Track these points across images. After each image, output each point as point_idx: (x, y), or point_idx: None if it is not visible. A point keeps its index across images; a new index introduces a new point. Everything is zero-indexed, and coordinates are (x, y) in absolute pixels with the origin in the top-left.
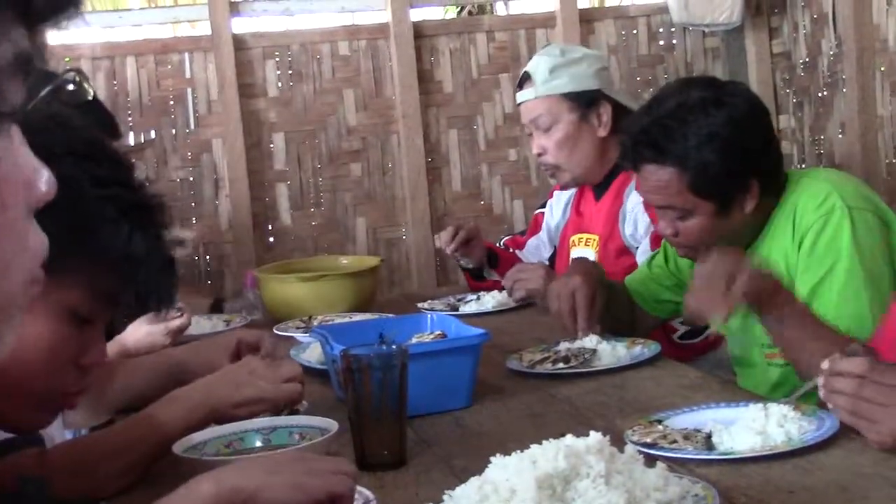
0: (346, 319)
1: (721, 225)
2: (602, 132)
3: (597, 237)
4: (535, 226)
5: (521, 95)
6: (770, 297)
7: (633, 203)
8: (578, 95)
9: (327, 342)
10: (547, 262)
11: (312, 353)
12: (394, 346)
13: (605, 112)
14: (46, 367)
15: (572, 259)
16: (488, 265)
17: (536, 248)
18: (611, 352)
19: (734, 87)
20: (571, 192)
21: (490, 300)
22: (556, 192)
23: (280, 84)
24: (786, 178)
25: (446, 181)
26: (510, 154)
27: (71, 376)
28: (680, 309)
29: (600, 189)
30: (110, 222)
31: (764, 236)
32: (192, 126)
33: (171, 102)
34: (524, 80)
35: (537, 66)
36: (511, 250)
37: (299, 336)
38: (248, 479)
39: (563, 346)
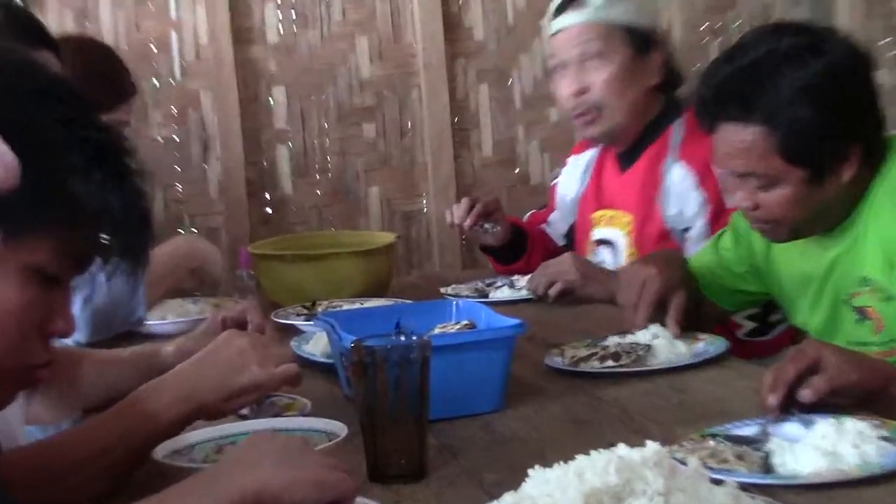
0: (357, 306)
1: (811, 197)
2: (653, 80)
3: (630, 217)
4: (551, 199)
5: (565, 19)
6: (880, 391)
7: (679, 178)
8: (637, 32)
9: (335, 332)
10: (563, 241)
11: (317, 344)
12: (413, 338)
13: (659, 59)
14: (11, 334)
15: (603, 242)
16: (514, 243)
17: (556, 226)
18: (669, 348)
19: (833, 34)
20: (590, 157)
21: (525, 282)
22: (571, 158)
23: (281, 29)
24: (886, 144)
25: (475, 145)
26: (551, 114)
27: (36, 346)
28: (752, 300)
29: (626, 159)
30: (80, 172)
31: (859, 214)
32: (178, 77)
33: (153, 49)
34: (566, 4)
35: None
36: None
37: (301, 324)
38: (271, 478)
39: (613, 341)
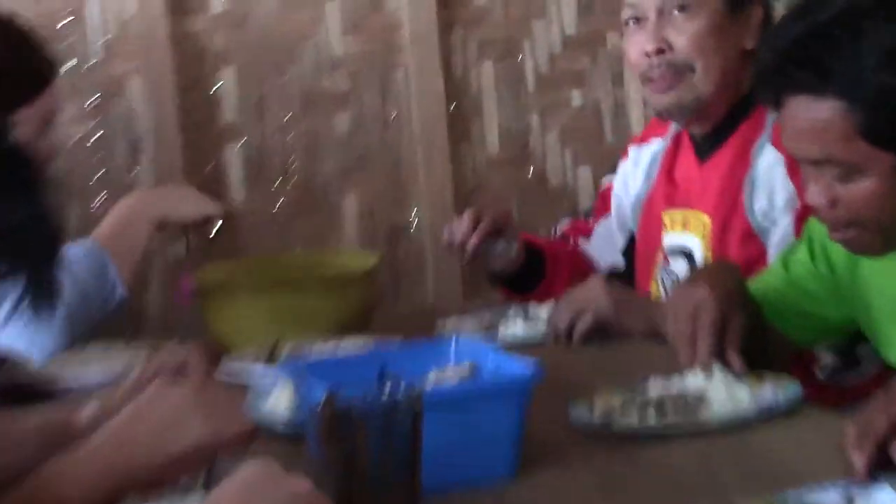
0: (330, 346)
1: None
2: (749, 43)
3: (706, 218)
4: (603, 202)
5: None
6: None
7: (769, 163)
8: None
9: (302, 382)
10: (621, 259)
11: (280, 398)
12: (401, 388)
13: (757, 19)
14: None
15: (700, 267)
16: (529, 267)
17: (608, 239)
18: (727, 396)
19: None
20: (658, 147)
21: (544, 313)
22: (632, 149)
23: None
24: None
25: (478, 139)
26: (573, 97)
27: None
28: (833, 330)
29: (707, 145)
30: None
31: None
32: (98, 58)
33: (65, 22)
34: None
35: None
36: (571, 241)
37: (259, 372)
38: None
39: (656, 388)
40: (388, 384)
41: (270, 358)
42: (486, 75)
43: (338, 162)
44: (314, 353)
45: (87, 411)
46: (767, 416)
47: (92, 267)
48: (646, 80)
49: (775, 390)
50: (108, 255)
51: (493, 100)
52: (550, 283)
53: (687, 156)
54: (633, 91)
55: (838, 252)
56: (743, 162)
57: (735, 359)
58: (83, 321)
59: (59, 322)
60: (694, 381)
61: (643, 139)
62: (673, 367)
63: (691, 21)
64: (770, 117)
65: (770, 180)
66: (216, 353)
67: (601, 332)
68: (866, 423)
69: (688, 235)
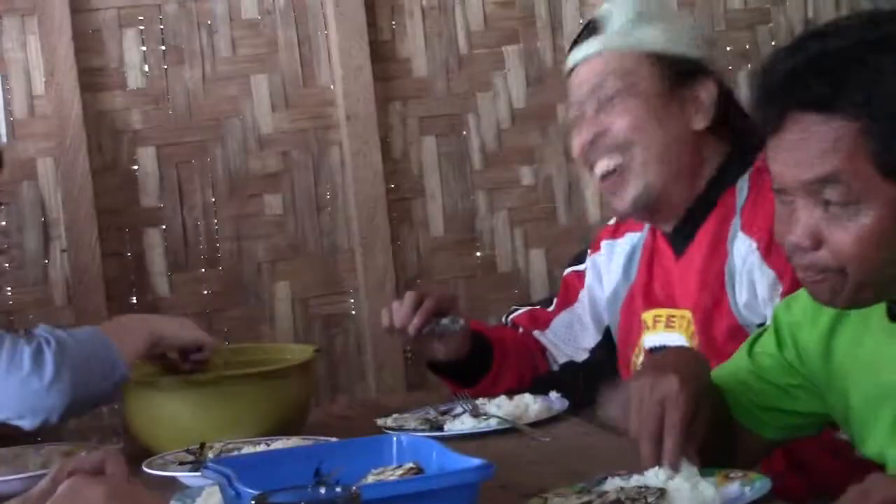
0: (262, 447)
1: None
2: (700, 122)
3: (688, 314)
4: (565, 293)
5: (580, 51)
6: None
7: (744, 252)
8: (674, 59)
9: (230, 485)
10: (584, 353)
11: (206, 503)
12: (338, 489)
13: (708, 94)
14: None
15: (659, 350)
16: (475, 357)
17: (569, 330)
18: (690, 493)
19: None
20: (635, 243)
21: (493, 409)
22: (605, 242)
23: (148, 66)
24: None
25: (420, 221)
26: (522, 175)
27: None
28: (803, 424)
29: (680, 237)
30: None
31: None
32: (4, 138)
33: None
34: (586, 33)
35: (612, 9)
36: (521, 330)
37: (185, 476)
38: None
39: (614, 485)
40: (324, 486)
41: (196, 460)
42: (428, 152)
43: (268, 248)
44: (243, 454)
45: None
46: None
47: (95, 341)
48: (591, 170)
49: (742, 486)
50: (109, 339)
51: (437, 179)
52: (497, 373)
53: (663, 251)
54: None
55: (809, 340)
56: (719, 253)
57: (694, 456)
58: (88, 388)
59: (62, 385)
60: (655, 477)
61: (615, 233)
62: (633, 463)
63: (625, 105)
64: (739, 201)
65: (749, 271)
66: (136, 455)
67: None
68: None
69: (671, 334)
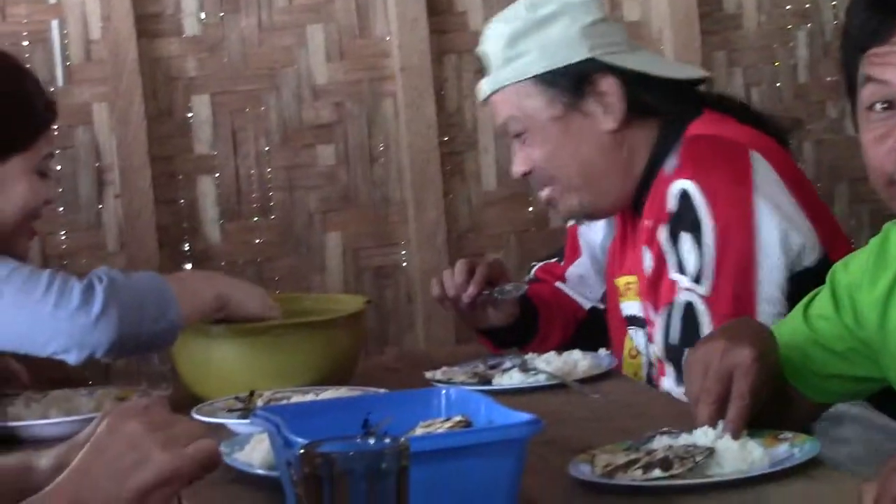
0: (311, 397)
1: None
2: (609, 123)
3: (631, 280)
4: (571, 245)
5: (481, 90)
6: None
7: (676, 192)
8: (557, 75)
9: (279, 433)
10: (598, 302)
11: (255, 450)
12: (386, 441)
13: (610, 90)
14: None
15: (635, 321)
16: (522, 321)
17: (581, 282)
18: (738, 452)
19: None
20: None
21: (542, 364)
22: None
23: (204, 15)
24: None
25: (473, 175)
26: None
27: None
28: (858, 390)
29: (632, 217)
30: None
31: None
32: (60, 82)
33: (26, 43)
34: (483, 71)
35: (488, 40)
36: (543, 282)
37: (234, 424)
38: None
39: (662, 444)
40: (372, 437)
41: (245, 408)
42: (482, 106)
43: (320, 198)
44: (292, 403)
45: (45, 460)
46: (781, 474)
47: (151, 284)
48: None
49: (791, 447)
50: (168, 286)
51: (490, 133)
52: (545, 335)
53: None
54: None
55: (866, 301)
56: (660, 216)
57: (730, 424)
58: (135, 328)
59: (109, 321)
60: (703, 436)
61: None
62: (681, 423)
63: (533, 143)
64: (667, 171)
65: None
66: (185, 401)
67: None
68: (884, 485)
69: (636, 303)
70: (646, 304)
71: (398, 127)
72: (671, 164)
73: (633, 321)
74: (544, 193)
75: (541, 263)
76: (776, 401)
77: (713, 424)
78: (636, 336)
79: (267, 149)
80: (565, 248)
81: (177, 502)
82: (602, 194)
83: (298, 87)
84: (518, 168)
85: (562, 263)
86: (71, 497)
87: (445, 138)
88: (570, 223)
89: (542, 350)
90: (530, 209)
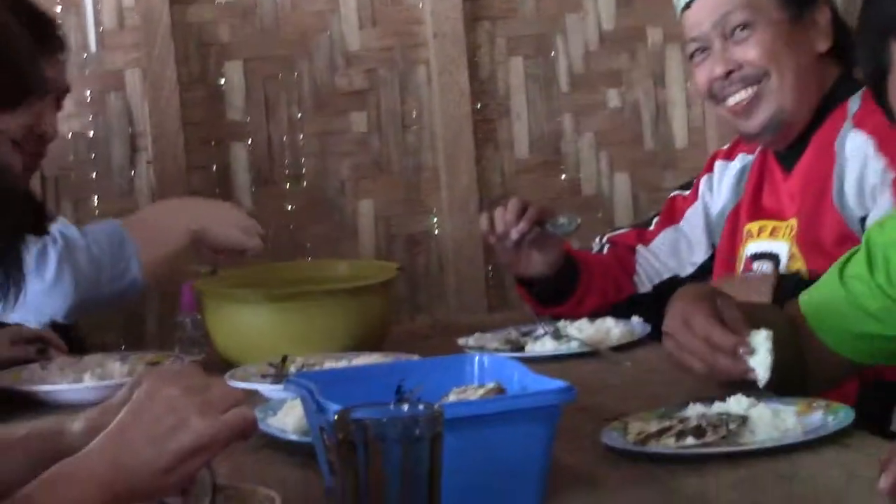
0: (343, 363)
1: None
2: (822, 45)
3: (793, 222)
4: (669, 212)
5: None
6: None
7: (856, 146)
8: None
9: (312, 399)
10: (696, 269)
11: (287, 416)
12: (420, 407)
13: (823, 18)
14: None
15: (761, 257)
16: (563, 275)
17: (673, 246)
18: (772, 420)
19: None
20: (745, 164)
21: (575, 332)
22: (719, 162)
23: None
24: None
25: (505, 141)
26: (609, 98)
27: None
28: (892, 351)
29: (793, 155)
30: None
31: None
32: (93, 48)
33: (59, 9)
34: None
35: None
36: (605, 250)
37: (266, 390)
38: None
39: (695, 411)
40: (406, 403)
41: (278, 373)
42: (515, 73)
43: (352, 165)
44: (325, 369)
45: (78, 424)
46: (815, 442)
47: (112, 239)
48: (721, 102)
49: (826, 415)
50: (130, 236)
51: (523, 100)
52: (581, 297)
53: (773, 169)
54: (677, 92)
55: None
56: (827, 156)
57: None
58: (93, 290)
59: (63, 286)
60: (737, 404)
61: (729, 155)
62: (715, 391)
63: (756, 36)
64: (852, 107)
65: (859, 163)
66: (218, 367)
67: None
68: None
69: (776, 242)
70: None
71: (431, 94)
72: (856, 102)
73: (762, 257)
74: (745, 94)
75: (623, 229)
76: (796, 358)
77: (740, 374)
78: (760, 268)
79: (299, 115)
80: (659, 216)
81: (208, 467)
82: (801, 108)
83: (331, 53)
84: (719, 69)
85: (650, 228)
86: (109, 459)
87: (478, 105)
88: (675, 193)
89: (575, 313)
90: (563, 177)
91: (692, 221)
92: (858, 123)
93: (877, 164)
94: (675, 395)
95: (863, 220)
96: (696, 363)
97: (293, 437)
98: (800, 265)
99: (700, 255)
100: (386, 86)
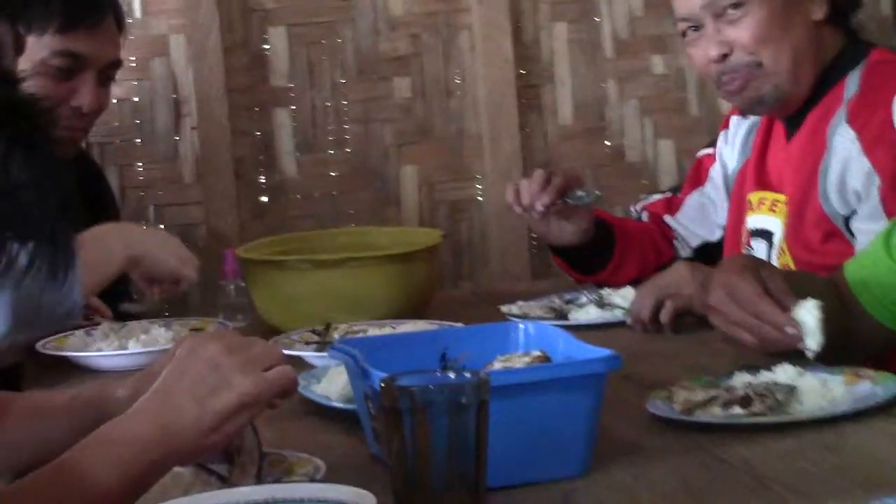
0: (388, 330)
1: None
2: (818, 13)
3: (783, 198)
4: (696, 173)
5: None
6: None
7: (846, 142)
8: None
9: (357, 366)
10: (717, 231)
11: (332, 383)
12: (465, 374)
13: None
14: None
15: (760, 234)
16: (597, 245)
17: (701, 210)
18: (819, 390)
19: None
20: (753, 121)
21: (619, 300)
22: (734, 119)
23: None
24: None
25: (549, 107)
26: (654, 64)
27: None
28: None
29: (795, 122)
30: None
31: None
32: (137, 15)
33: None
34: None
35: None
36: (649, 219)
37: (311, 356)
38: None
39: (742, 380)
40: (451, 370)
41: (322, 340)
42: (559, 39)
43: (396, 131)
44: (369, 336)
45: (122, 390)
46: (863, 413)
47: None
48: (717, 83)
49: (874, 385)
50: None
51: (567, 66)
52: (620, 262)
53: (777, 131)
54: None
55: None
56: (819, 142)
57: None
58: (30, 317)
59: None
60: (784, 373)
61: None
62: (761, 360)
63: (749, 16)
64: (849, 87)
65: (842, 162)
66: (262, 333)
67: (687, 320)
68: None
69: (770, 217)
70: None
71: (474, 60)
72: (854, 81)
73: (759, 234)
74: (741, 75)
75: (655, 197)
76: (842, 330)
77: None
78: (758, 249)
79: (343, 81)
80: (686, 179)
81: (252, 428)
82: (797, 83)
83: (375, 18)
84: (714, 52)
85: (678, 195)
86: (154, 417)
87: (522, 71)
88: (702, 152)
89: (615, 280)
90: (607, 143)
91: (715, 182)
92: (850, 116)
93: (860, 165)
94: (719, 365)
95: (846, 219)
96: (745, 336)
97: (337, 405)
98: (787, 260)
99: (722, 216)
100: (429, 51)
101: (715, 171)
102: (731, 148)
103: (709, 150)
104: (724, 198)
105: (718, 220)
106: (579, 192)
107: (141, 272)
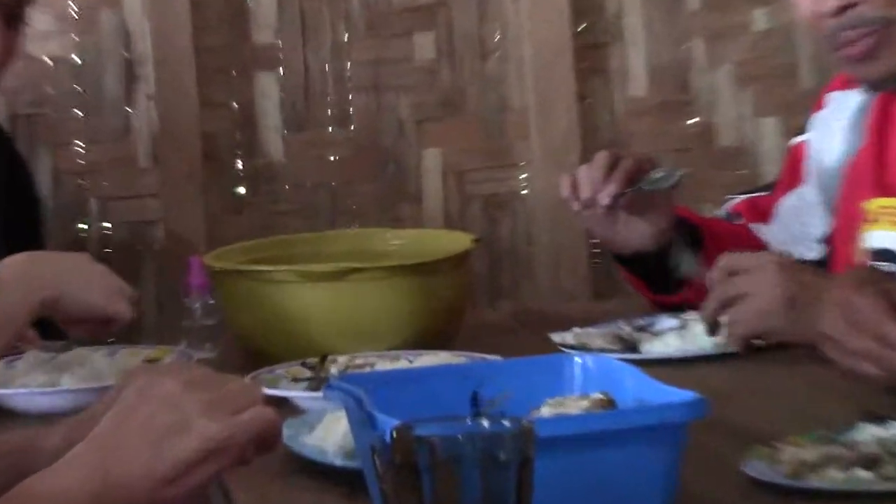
0: (403, 364)
1: None
2: None
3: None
4: (790, 170)
5: None
6: None
7: None
8: None
9: (361, 410)
10: (821, 245)
11: (328, 433)
12: (504, 423)
13: None
14: None
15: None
16: (683, 247)
17: (797, 219)
18: None
19: None
20: (863, 100)
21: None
22: (833, 95)
23: None
24: None
25: (616, 75)
26: (754, 19)
27: None
28: None
29: None
30: None
31: None
32: None
33: None
34: None
35: None
36: (741, 221)
37: (300, 397)
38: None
39: (866, 434)
40: (485, 417)
41: (316, 376)
42: None
43: (415, 103)
44: (377, 371)
45: (55, 436)
46: None
47: None
48: (832, 44)
49: None
50: None
51: (640, 20)
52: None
53: None
54: None
55: None
56: None
57: None
58: None
59: None
60: None
61: (842, 85)
62: (886, 400)
63: None
64: None
65: None
66: (238, 365)
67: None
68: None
69: (886, 232)
70: None
71: (518, 11)
72: None
73: (885, 256)
74: (866, 41)
75: (740, 197)
76: None
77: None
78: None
79: (346, 38)
80: (780, 175)
81: (220, 489)
82: None
83: None
84: (831, 2)
85: (771, 194)
86: (92, 467)
87: (581, 27)
88: (796, 140)
89: (702, 299)
90: (692, 121)
91: (810, 180)
92: None
93: None
94: (837, 412)
95: None
96: (870, 369)
97: (335, 461)
98: None
99: (819, 226)
100: (459, 2)
101: (811, 165)
102: (830, 135)
103: (802, 137)
104: (817, 202)
105: (813, 233)
106: (656, 175)
107: (60, 315)
